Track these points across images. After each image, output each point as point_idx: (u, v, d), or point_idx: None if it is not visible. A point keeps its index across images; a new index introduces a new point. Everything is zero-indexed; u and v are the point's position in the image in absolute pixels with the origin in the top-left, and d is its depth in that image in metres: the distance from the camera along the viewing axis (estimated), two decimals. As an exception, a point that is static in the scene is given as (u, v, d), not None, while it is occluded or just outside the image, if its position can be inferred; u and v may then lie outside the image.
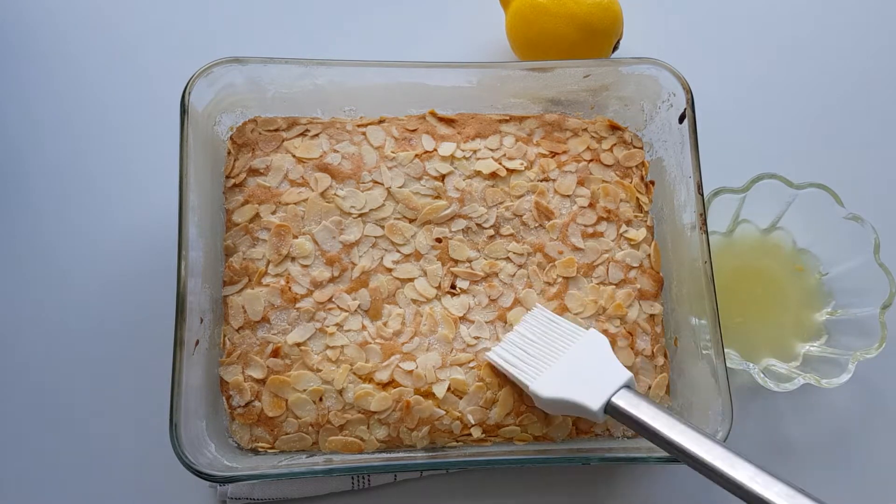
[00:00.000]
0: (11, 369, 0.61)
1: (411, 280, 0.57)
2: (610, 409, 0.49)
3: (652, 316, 0.58)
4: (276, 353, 0.54)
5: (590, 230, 0.59)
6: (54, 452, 0.59)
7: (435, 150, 0.60)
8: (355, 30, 0.72)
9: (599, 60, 0.60)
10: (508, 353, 0.54)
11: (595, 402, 0.49)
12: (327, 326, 0.55)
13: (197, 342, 0.52)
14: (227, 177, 0.58)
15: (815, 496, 0.42)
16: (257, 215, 0.57)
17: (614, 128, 0.62)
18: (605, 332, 0.56)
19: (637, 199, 0.60)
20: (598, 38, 0.64)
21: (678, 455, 0.46)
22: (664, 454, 0.50)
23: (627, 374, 0.50)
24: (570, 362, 0.52)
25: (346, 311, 0.56)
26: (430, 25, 0.72)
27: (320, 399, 0.54)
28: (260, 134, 0.59)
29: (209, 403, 0.53)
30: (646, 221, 0.60)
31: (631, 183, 0.60)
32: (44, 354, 0.61)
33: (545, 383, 0.51)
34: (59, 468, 0.59)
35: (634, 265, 0.58)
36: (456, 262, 0.58)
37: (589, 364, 0.52)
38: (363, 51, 0.70)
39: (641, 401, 0.49)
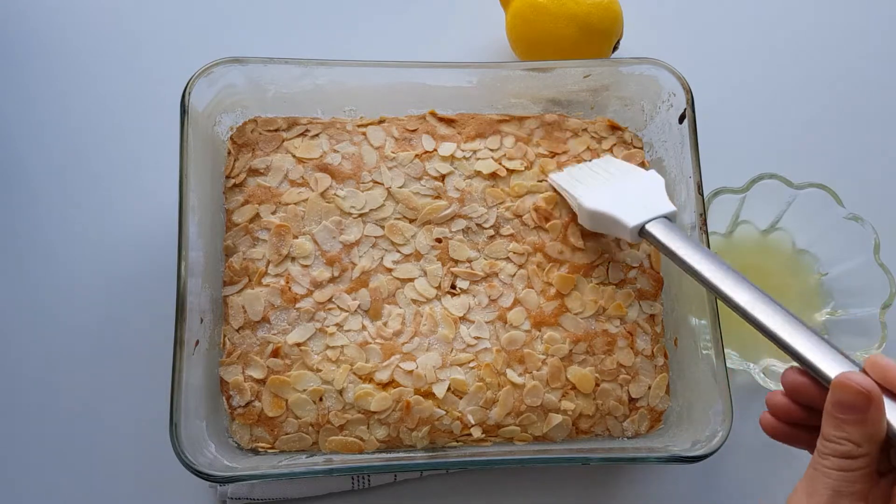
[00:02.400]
0: (11, 369, 0.61)
1: (411, 280, 0.57)
2: (644, 232, 0.52)
3: (652, 316, 0.58)
4: (276, 353, 0.54)
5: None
6: (54, 452, 0.59)
7: (435, 150, 0.60)
8: (355, 30, 0.72)
9: (599, 60, 0.60)
10: (567, 176, 0.58)
11: (631, 220, 0.53)
12: (327, 326, 0.55)
13: (197, 342, 0.52)
14: (227, 177, 0.58)
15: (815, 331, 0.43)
16: (257, 215, 0.57)
17: (614, 128, 0.62)
18: (604, 331, 0.57)
19: (637, 199, 0.60)
20: (598, 38, 0.64)
21: (705, 287, 0.48)
22: (664, 454, 0.50)
23: (671, 208, 0.53)
24: (621, 188, 0.56)
25: (346, 311, 0.56)
26: (431, 25, 0.72)
27: (320, 399, 0.54)
28: (260, 134, 0.59)
29: (209, 403, 0.53)
30: (646, 221, 0.60)
31: (631, 183, 0.60)
32: (43, 354, 0.61)
33: (592, 197, 0.55)
34: (58, 468, 0.59)
35: (634, 265, 0.58)
36: (456, 262, 0.58)
37: (638, 192, 0.55)
38: (363, 51, 0.70)
39: (676, 233, 0.51)
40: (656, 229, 0.52)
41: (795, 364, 0.43)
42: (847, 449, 0.38)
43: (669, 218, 0.53)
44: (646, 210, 0.53)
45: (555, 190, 0.59)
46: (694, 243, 0.50)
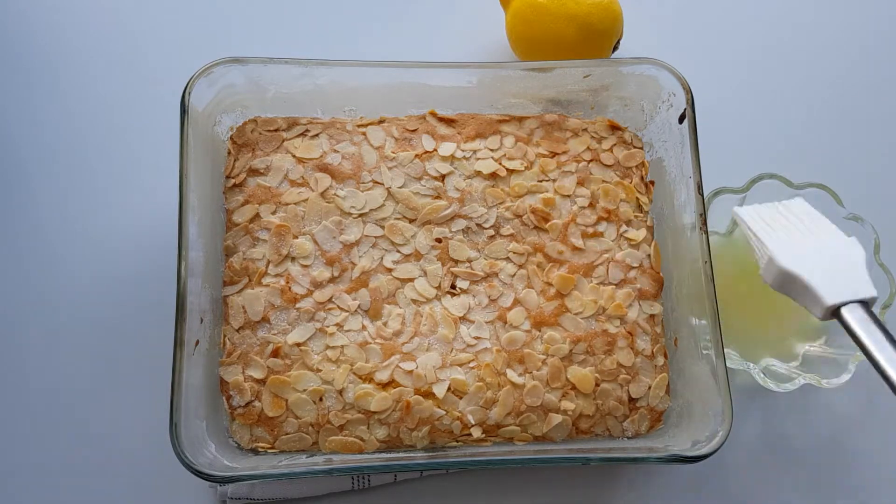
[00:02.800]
0: (11, 369, 0.61)
1: (411, 280, 0.57)
2: (838, 314, 0.48)
3: (652, 316, 0.58)
4: (276, 353, 0.54)
5: (590, 230, 0.59)
6: (54, 452, 0.59)
7: (435, 150, 0.60)
8: (356, 30, 0.72)
9: (599, 60, 0.60)
10: (757, 216, 0.53)
11: (829, 298, 0.48)
12: (327, 326, 0.55)
13: (197, 342, 0.52)
14: (228, 177, 0.58)
15: None
16: (257, 215, 0.57)
17: (614, 128, 0.62)
18: (604, 331, 0.57)
19: (637, 199, 0.60)
20: (598, 38, 0.64)
21: (889, 386, 0.44)
22: (664, 454, 0.50)
23: (872, 293, 0.48)
24: (819, 252, 0.51)
25: (346, 311, 0.56)
26: (431, 25, 0.72)
27: (320, 399, 0.54)
28: (260, 134, 0.59)
29: (209, 403, 0.53)
30: (646, 221, 0.60)
31: (631, 183, 0.60)
32: (44, 354, 0.61)
33: (788, 254, 0.50)
34: (58, 468, 0.59)
35: (634, 265, 0.58)
36: (456, 262, 0.58)
37: (837, 263, 0.50)
38: (363, 51, 0.70)
39: (871, 323, 0.47)
40: (853, 316, 0.47)
41: None
42: None
43: (867, 303, 0.48)
44: (845, 288, 0.48)
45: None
46: (891, 346, 0.46)
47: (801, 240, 0.52)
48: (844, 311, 0.47)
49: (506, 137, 0.61)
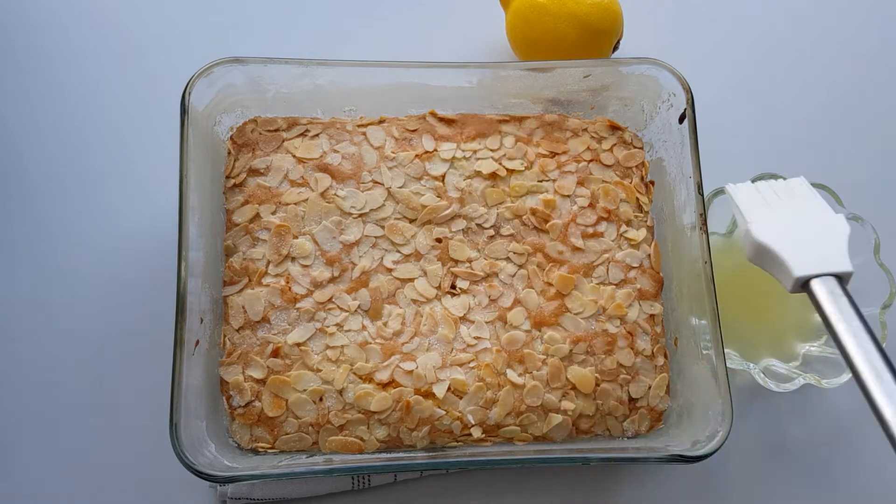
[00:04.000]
0: (11, 369, 0.61)
1: (411, 280, 0.57)
2: (807, 287, 0.46)
3: (652, 316, 0.58)
4: (276, 353, 0.54)
5: (590, 230, 0.59)
6: (54, 452, 0.59)
7: (435, 150, 0.60)
8: (356, 30, 0.72)
9: (599, 60, 0.60)
10: (746, 192, 0.53)
11: (798, 269, 0.46)
12: (327, 326, 0.55)
13: (197, 342, 0.52)
14: (228, 177, 0.58)
15: None
16: (257, 215, 0.57)
17: (614, 128, 0.62)
18: (604, 331, 0.56)
19: (637, 199, 0.60)
20: (598, 38, 0.64)
21: (846, 364, 0.43)
22: (664, 454, 0.50)
23: (847, 268, 0.47)
24: (799, 226, 0.50)
25: (347, 311, 0.56)
26: (431, 25, 0.72)
27: (320, 399, 0.54)
28: (260, 134, 0.59)
29: (209, 403, 0.53)
30: (646, 221, 0.60)
31: (631, 183, 0.60)
32: (44, 354, 0.61)
33: (764, 228, 0.50)
34: (58, 468, 0.59)
35: (634, 265, 0.58)
36: (456, 262, 0.58)
37: (816, 238, 0.49)
38: (363, 51, 0.70)
39: (843, 297, 0.45)
40: (822, 289, 0.45)
41: None
42: None
43: (842, 278, 0.46)
44: (819, 261, 0.47)
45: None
46: (860, 319, 0.44)
47: (783, 214, 0.51)
48: (814, 283, 0.46)
49: (506, 137, 0.61)
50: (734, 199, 0.53)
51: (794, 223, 0.50)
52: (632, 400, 0.56)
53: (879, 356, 0.42)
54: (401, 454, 0.54)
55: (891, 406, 0.40)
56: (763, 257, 0.50)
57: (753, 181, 0.56)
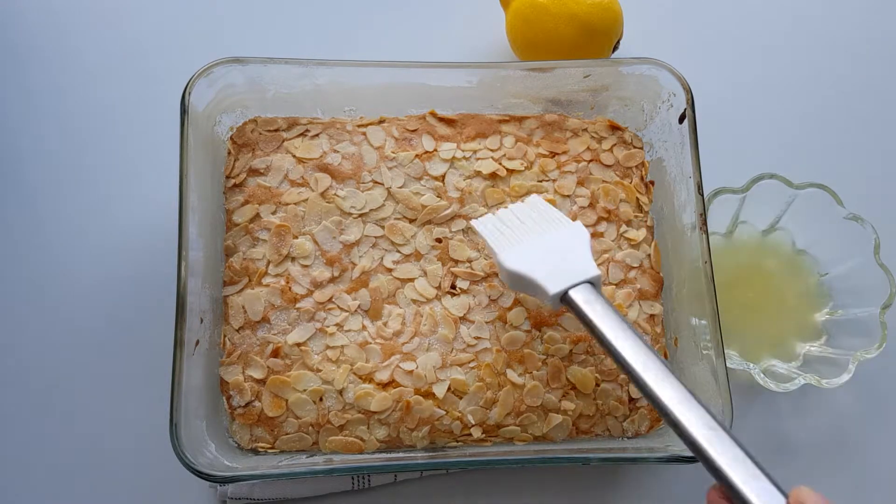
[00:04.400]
0: (11, 369, 0.61)
1: (411, 280, 0.57)
2: (567, 299, 0.48)
3: (652, 316, 0.58)
4: (276, 354, 0.54)
5: (590, 230, 0.59)
6: (54, 452, 0.59)
7: (435, 150, 0.60)
8: (356, 30, 0.72)
9: (599, 60, 0.60)
10: (491, 225, 0.54)
11: (553, 287, 0.48)
12: (327, 326, 0.55)
13: (197, 342, 0.52)
14: (228, 177, 0.58)
15: (733, 435, 0.41)
16: (257, 215, 0.57)
17: (614, 128, 0.62)
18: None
19: (637, 199, 0.60)
20: (598, 38, 0.64)
21: (615, 362, 0.45)
22: (664, 454, 0.50)
23: (595, 272, 0.49)
24: (545, 246, 0.52)
25: (347, 311, 0.56)
26: (431, 25, 0.72)
27: (320, 399, 0.54)
28: (260, 134, 0.59)
29: (209, 403, 0.53)
30: (646, 221, 0.60)
31: (631, 183, 0.60)
32: (43, 354, 0.61)
33: (513, 256, 0.51)
34: (58, 468, 0.59)
35: (634, 265, 0.58)
36: (456, 262, 0.58)
37: (562, 252, 0.51)
38: (363, 51, 0.70)
39: (598, 300, 0.47)
40: (578, 297, 0.48)
41: (717, 483, 0.41)
42: None
43: (594, 283, 0.49)
44: (570, 274, 0.49)
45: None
46: (618, 317, 0.46)
47: (527, 237, 0.52)
48: (571, 294, 0.48)
49: (506, 137, 0.61)
50: (480, 233, 0.54)
51: (538, 243, 0.52)
52: (632, 400, 0.56)
53: (643, 346, 0.45)
54: (401, 454, 0.54)
55: (661, 389, 0.43)
56: (519, 283, 0.51)
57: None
